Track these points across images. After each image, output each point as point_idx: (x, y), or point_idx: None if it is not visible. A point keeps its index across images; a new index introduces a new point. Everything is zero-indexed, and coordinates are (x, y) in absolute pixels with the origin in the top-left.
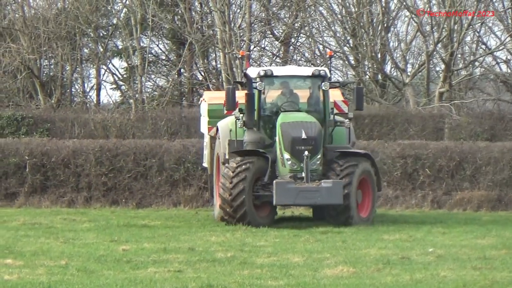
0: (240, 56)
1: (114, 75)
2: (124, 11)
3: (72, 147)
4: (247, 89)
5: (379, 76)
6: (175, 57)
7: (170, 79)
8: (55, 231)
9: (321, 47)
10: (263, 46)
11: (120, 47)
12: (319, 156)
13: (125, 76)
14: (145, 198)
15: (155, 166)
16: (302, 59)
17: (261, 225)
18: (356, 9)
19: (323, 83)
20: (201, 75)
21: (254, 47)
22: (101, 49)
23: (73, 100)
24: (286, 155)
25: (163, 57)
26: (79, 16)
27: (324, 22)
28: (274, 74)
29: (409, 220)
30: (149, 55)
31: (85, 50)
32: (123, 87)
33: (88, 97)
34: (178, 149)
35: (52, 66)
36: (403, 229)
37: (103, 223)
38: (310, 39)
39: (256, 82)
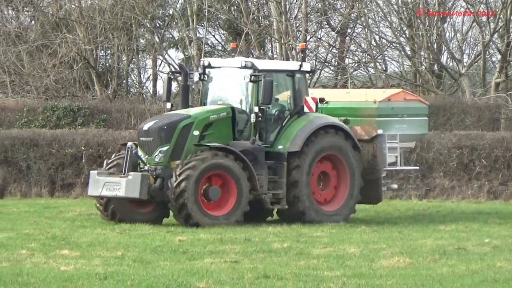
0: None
1: (171, 66)
2: (180, 1)
3: (129, 137)
4: (181, 80)
5: (435, 67)
6: (231, 48)
7: None
8: (112, 222)
9: (377, 37)
10: (319, 36)
11: (176, 37)
12: (164, 149)
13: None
14: None
15: None
16: (359, 49)
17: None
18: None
19: (244, 76)
20: None
21: (311, 37)
22: (157, 40)
23: (129, 90)
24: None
25: (220, 48)
26: (135, 7)
27: (380, 12)
28: (212, 65)
29: (465, 211)
30: (205, 46)
31: (141, 41)
32: (179, 77)
33: (145, 87)
34: None
35: (108, 57)
36: (459, 220)
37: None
38: (366, 30)
39: (192, 74)
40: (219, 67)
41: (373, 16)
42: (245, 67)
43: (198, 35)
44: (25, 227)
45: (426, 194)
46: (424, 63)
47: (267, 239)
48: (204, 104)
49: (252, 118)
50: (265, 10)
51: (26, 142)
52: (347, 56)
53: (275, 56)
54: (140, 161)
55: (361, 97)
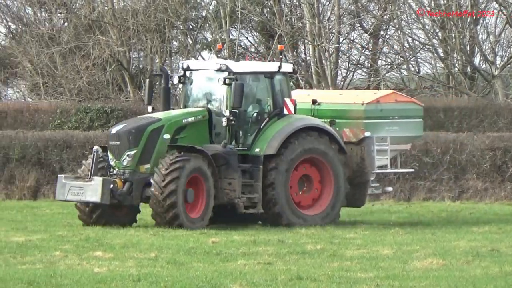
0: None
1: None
2: (213, 3)
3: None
4: (163, 83)
5: (468, 69)
6: (264, 50)
7: None
8: (145, 224)
9: (410, 39)
10: (352, 38)
11: (209, 39)
12: (132, 153)
13: None
14: None
15: None
16: (391, 51)
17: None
18: (445, 1)
19: (219, 79)
20: None
21: (344, 39)
22: (191, 42)
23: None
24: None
25: (253, 50)
26: (168, 9)
27: (413, 14)
28: (190, 67)
29: (498, 212)
30: (238, 48)
31: (174, 43)
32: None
33: (177, 89)
34: None
35: (141, 59)
36: (492, 221)
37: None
38: (399, 32)
39: (173, 76)
40: (198, 70)
41: (406, 18)
42: (220, 69)
43: (231, 37)
44: (58, 228)
45: (459, 196)
46: (457, 65)
47: (300, 241)
48: (185, 107)
49: (224, 121)
50: (298, 12)
51: (59, 144)
52: (380, 58)
53: (308, 58)
54: (108, 165)
55: (350, 98)
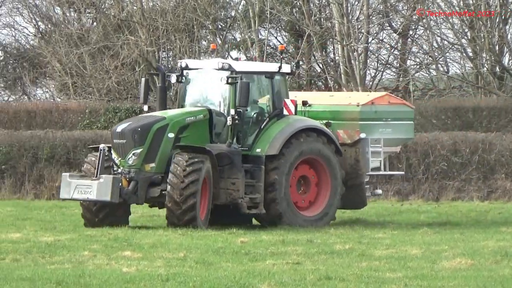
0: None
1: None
2: (242, 3)
3: None
4: (159, 82)
5: (497, 68)
6: (293, 50)
7: None
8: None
9: (439, 39)
10: (381, 38)
11: (238, 39)
12: (138, 152)
13: None
14: None
15: None
16: (420, 51)
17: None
18: (473, 1)
19: (222, 78)
20: (320, 67)
21: (372, 39)
22: (220, 41)
23: None
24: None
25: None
26: (197, 8)
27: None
28: (189, 66)
29: None
30: (267, 47)
31: (203, 42)
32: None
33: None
34: None
35: (170, 58)
36: None
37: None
38: (428, 32)
39: (170, 75)
40: (197, 69)
41: (434, 18)
42: (222, 68)
43: (260, 36)
44: (87, 228)
45: (488, 196)
46: (485, 64)
47: (329, 241)
48: (182, 106)
49: (229, 121)
50: (327, 11)
51: (88, 144)
52: (409, 58)
53: (337, 58)
54: (113, 163)
55: (344, 100)
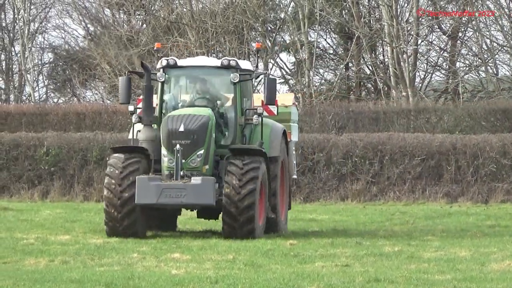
0: (156, 48)
1: (282, 69)
2: (292, 5)
3: None
4: (145, 81)
5: None
6: (342, 51)
7: (338, 73)
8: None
9: (488, 41)
10: (430, 40)
11: (288, 41)
12: (200, 152)
13: (293, 70)
14: (312, 192)
15: (323, 160)
16: (470, 53)
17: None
18: None
19: (232, 75)
20: (369, 69)
21: (422, 41)
22: (269, 43)
23: None
24: (164, 151)
25: (331, 51)
26: (246, 10)
27: (491, 16)
28: (178, 64)
29: None
30: (317, 49)
31: (253, 44)
32: (291, 81)
33: (256, 91)
34: (345, 143)
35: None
36: None
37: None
38: (477, 33)
39: (156, 74)
40: (190, 67)
41: (484, 20)
42: (229, 66)
43: (309, 38)
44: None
45: None
46: None
47: (378, 243)
48: (173, 107)
49: (256, 119)
50: (377, 13)
51: None
52: (458, 60)
53: (386, 59)
54: (178, 165)
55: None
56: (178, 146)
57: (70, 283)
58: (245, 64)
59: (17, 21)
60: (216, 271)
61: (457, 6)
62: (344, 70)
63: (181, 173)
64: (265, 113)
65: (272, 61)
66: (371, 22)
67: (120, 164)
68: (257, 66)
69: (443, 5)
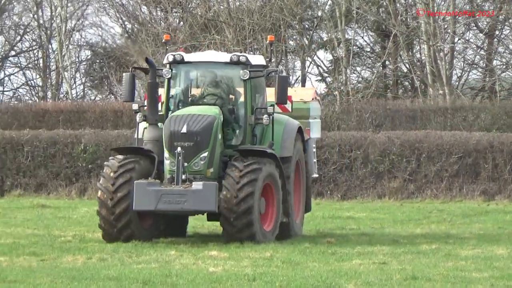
0: (164, 40)
1: (319, 67)
2: (329, 3)
3: None
4: (149, 77)
5: None
6: (379, 49)
7: (375, 71)
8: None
9: None
10: (467, 38)
11: (325, 39)
12: (204, 155)
13: (330, 68)
14: (350, 190)
15: (360, 158)
16: (506, 51)
17: (145, 238)
18: None
19: (242, 72)
20: (406, 67)
21: (459, 39)
22: (306, 41)
23: None
24: (166, 153)
25: (368, 49)
26: (284, 8)
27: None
28: (186, 59)
29: None
30: (354, 47)
31: (290, 42)
32: (328, 79)
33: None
34: (383, 141)
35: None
36: None
37: (308, 215)
38: None
39: (162, 70)
40: (197, 62)
41: None
42: (238, 62)
43: (346, 36)
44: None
45: None
46: None
47: (415, 240)
48: (179, 105)
49: (266, 119)
50: (413, 11)
51: None
52: (495, 58)
53: (423, 57)
54: (181, 169)
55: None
56: (179, 149)
57: (107, 281)
58: (257, 60)
59: (55, 19)
60: (254, 269)
61: (494, 4)
62: (381, 68)
63: (184, 177)
64: (278, 110)
65: (309, 59)
66: (408, 20)
67: (116, 164)
68: (270, 60)
69: (480, 3)
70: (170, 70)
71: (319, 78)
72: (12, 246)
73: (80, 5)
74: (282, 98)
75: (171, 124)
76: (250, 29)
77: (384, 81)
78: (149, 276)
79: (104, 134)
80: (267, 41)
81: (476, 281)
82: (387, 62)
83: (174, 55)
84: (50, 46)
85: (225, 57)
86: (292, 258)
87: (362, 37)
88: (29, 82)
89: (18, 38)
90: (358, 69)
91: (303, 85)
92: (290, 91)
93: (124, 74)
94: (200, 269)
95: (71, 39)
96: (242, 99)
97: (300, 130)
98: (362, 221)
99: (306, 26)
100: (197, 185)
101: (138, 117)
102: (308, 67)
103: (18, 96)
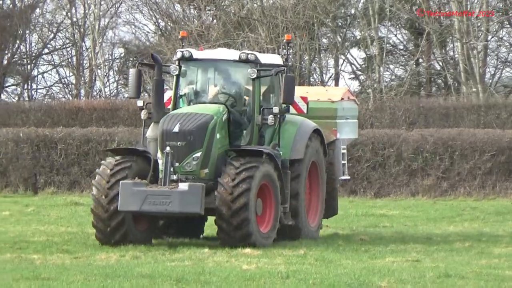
0: (180, 37)
1: (353, 65)
2: (362, 1)
3: None
4: (155, 74)
5: None
6: (413, 47)
7: (408, 69)
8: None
9: None
10: (500, 36)
11: (358, 37)
12: (197, 155)
13: (363, 66)
14: (383, 187)
15: (393, 156)
16: None
17: (139, 241)
18: None
19: (250, 71)
20: (439, 65)
21: (492, 37)
22: (339, 39)
23: None
24: (158, 153)
25: (401, 47)
26: (317, 6)
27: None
28: (194, 57)
29: None
30: (387, 45)
31: (324, 40)
32: (361, 76)
33: (327, 86)
34: (416, 138)
35: (290, 56)
36: None
37: (341, 213)
38: None
39: (169, 66)
40: (206, 60)
41: None
42: (247, 60)
43: (380, 34)
44: (207, 227)
45: None
46: None
47: (448, 238)
48: (189, 103)
49: (270, 120)
50: (447, 9)
51: None
52: None
53: (456, 55)
54: (172, 169)
55: (319, 96)
56: (168, 148)
57: (141, 278)
58: (272, 58)
59: (88, 17)
60: (287, 266)
61: None
62: (414, 66)
63: (175, 177)
64: (294, 111)
65: (342, 56)
66: (441, 18)
67: (113, 163)
68: (287, 60)
69: None
70: (177, 67)
71: (353, 76)
72: (46, 243)
73: (113, 3)
74: (288, 98)
75: (165, 123)
76: (283, 27)
77: (417, 79)
78: (182, 274)
79: (138, 132)
80: (284, 40)
81: (509, 278)
82: (420, 60)
83: (182, 52)
84: (83, 44)
85: (234, 55)
86: (325, 256)
87: (395, 35)
88: (62, 79)
89: (52, 36)
90: (392, 67)
91: (336, 83)
92: (321, 90)
93: (130, 70)
94: (233, 266)
95: (104, 37)
96: (252, 97)
97: (317, 132)
98: (395, 218)
99: (340, 24)
100: (183, 186)
101: (143, 114)
102: (342, 65)
103: (52, 94)
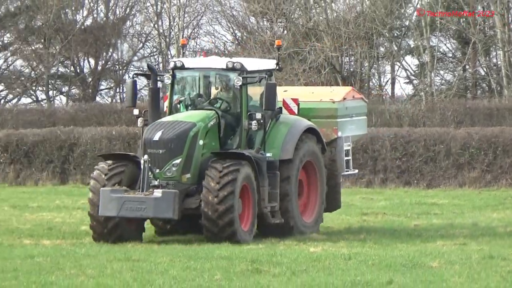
0: (181, 45)
1: (407, 71)
2: (415, 14)
3: (370, 134)
4: (150, 83)
5: None
6: (460, 55)
7: (456, 74)
8: (355, 208)
9: None
10: None
11: (412, 46)
12: (176, 162)
13: (416, 71)
14: (434, 179)
15: (443, 151)
16: None
17: (135, 239)
18: None
19: (235, 79)
20: (484, 70)
21: None
22: (395, 48)
23: (371, 92)
24: (141, 160)
25: (450, 55)
26: (375, 19)
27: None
28: (186, 66)
29: None
30: (438, 53)
31: (381, 49)
32: (414, 81)
33: (384, 90)
34: (463, 136)
35: (352, 63)
36: None
37: (397, 202)
38: None
39: (163, 75)
40: (196, 68)
41: None
42: (233, 68)
43: (431, 43)
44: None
45: None
46: None
47: (492, 224)
48: (182, 110)
49: (254, 125)
50: (491, 21)
51: None
52: None
53: (499, 62)
54: (152, 175)
55: (321, 96)
56: (146, 156)
57: (220, 259)
58: (267, 64)
59: (173, 28)
60: (349, 249)
61: None
62: (461, 71)
63: (156, 182)
64: (286, 112)
65: (398, 63)
66: (486, 29)
67: (106, 168)
68: (277, 64)
69: None
70: (170, 76)
71: (407, 80)
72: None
73: (195, 16)
74: (269, 104)
75: (147, 132)
76: (346, 37)
77: (464, 83)
78: (256, 256)
79: None
80: (275, 46)
81: None
82: (467, 66)
83: (175, 62)
84: (169, 52)
85: (222, 63)
86: (383, 240)
87: (445, 44)
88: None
89: (141, 45)
90: (442, 72)
91: (393, 87)
92: (326, 90)
93: (127, 80)
94: (301, 249)
95: (187, 46)
96: (236, 105)
97: (312, 131)
98: (444, 207)
99: (395, 34)
100: (157, 193)
101: (140, 122)
102: (397, 70)
103: (141, 97)
